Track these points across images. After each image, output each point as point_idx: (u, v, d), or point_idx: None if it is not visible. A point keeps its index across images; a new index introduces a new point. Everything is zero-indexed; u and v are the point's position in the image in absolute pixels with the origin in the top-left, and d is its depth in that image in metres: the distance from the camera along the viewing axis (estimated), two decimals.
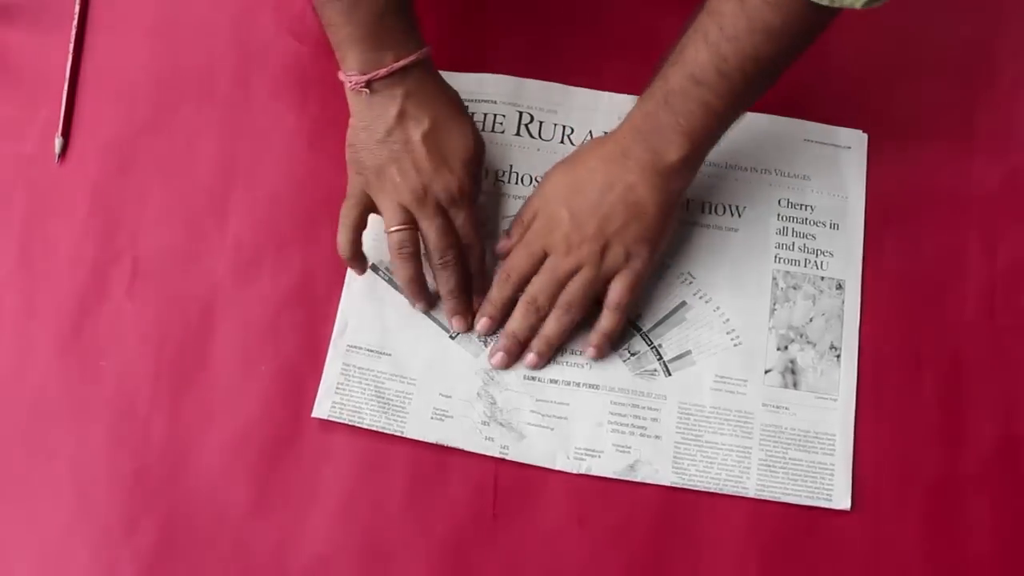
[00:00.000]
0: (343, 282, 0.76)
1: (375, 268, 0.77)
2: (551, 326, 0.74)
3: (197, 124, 0.81)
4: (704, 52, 0.67)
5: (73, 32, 0.82)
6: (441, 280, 0.75)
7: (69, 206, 0.79)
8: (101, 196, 0.79)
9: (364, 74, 0.71)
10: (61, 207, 0.79)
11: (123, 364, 0.74)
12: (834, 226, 0.79)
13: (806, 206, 0.79)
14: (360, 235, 0.74)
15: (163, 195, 0.79)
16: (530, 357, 0.75)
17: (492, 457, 0.72)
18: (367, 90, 0.71)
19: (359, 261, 0.75)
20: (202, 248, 0.77)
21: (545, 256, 0.74)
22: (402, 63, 0.71)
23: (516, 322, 0.74)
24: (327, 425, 0.72)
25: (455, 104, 0.75)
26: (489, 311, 0.75)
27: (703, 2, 0.68)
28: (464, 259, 0.75)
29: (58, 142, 0.80)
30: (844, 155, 0.81)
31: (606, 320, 0.74)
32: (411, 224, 0.73)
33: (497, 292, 0.75)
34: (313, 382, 0.74)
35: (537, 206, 0.75)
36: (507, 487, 0.72)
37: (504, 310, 0.75)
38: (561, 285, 0.74)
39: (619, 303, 0.74)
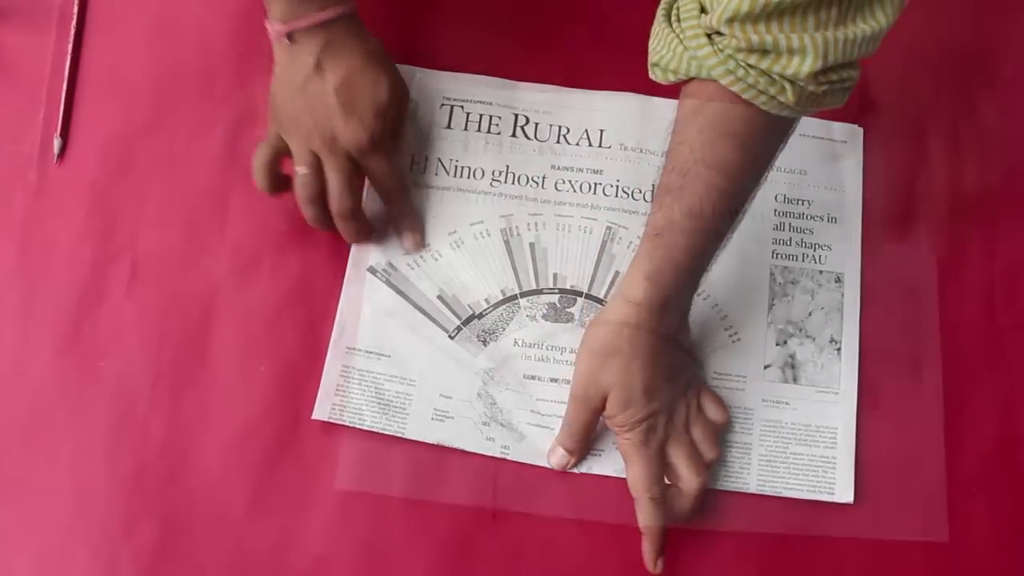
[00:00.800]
0: (342, 282, 0.75)
1: (372, 271, 0.75)
2: (693, 481, 0.70)
3: (196, 124, 0.79)
4: (720, 203, 0.67)
5: (72, 32, 0.81)
6: (341, 230, 0.75)
7: (68, 206, 0.77)
8: (100, 196, 0.77)
9: (285, 23, 0.71)
10: (60, 207, 0.77)
11: (122, 364, 0.73)
12: (832, 219, 0.78)
13: (803, 200, 0.78)
14: (273, 172, 0.74)
15: (162, 195, 0.78)
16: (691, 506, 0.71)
17: (492, 457, 0.71)
18: (288, 40, 0.72)
19: (274, 191, 0.75)
20: (201, 248, 0.76)
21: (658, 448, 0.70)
22: (322, 16, 0.71)
23: (650, 519, 0.69)
24: (327, 426, 0.71)
25: (373, 56, 0.74)
26: (659, 547, 0.68)
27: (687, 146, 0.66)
28: (361, 213, 0.75)
29: (57, 142, 0.78)
30: (840, 149, 0.80)
31: (714, 453, 0.71)
32: (316, 167, 0.73)
33: (655, 521, 0.68)
34: (313, 382, 0.72)
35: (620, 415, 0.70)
36: (507, 487, 0.71)
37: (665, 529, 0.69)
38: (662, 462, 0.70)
39: (714, 453, 0.71)
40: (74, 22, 0.81)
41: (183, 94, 0.80)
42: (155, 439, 0.71)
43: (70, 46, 0.80)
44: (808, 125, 0.79)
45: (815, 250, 0.77)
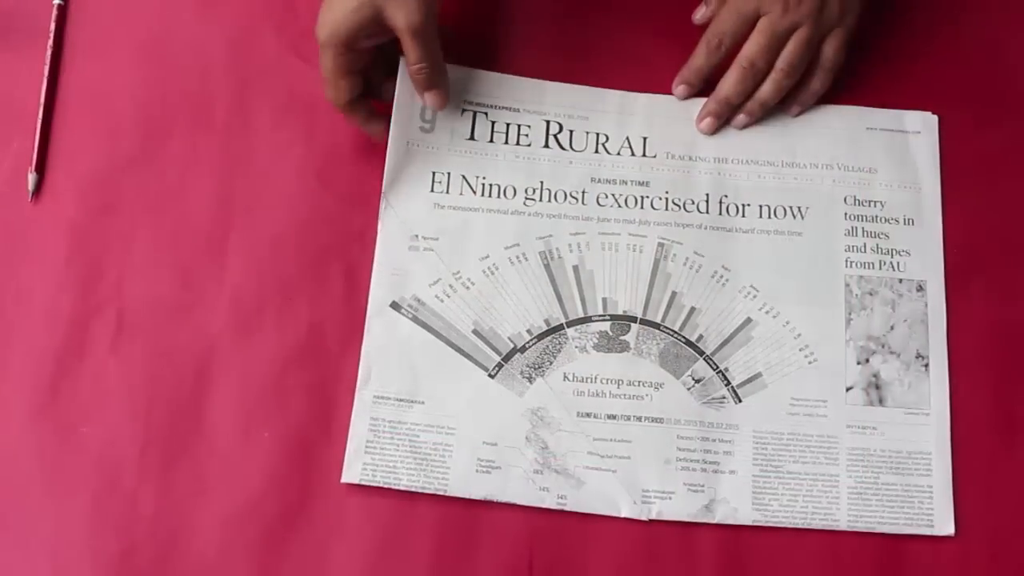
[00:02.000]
0: (360, 333, 0.68)
1: (396, 306, 0.68)
2: (768, 90, 0.72)
3: (190, 157, 0.72)
4: None
5: (48, 52, 0.74)
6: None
7: (44, 251, 0.70)
8: (81, 239, 0.71)
9: None
10: (35, 252, 0.70)
11: (107, 431, 0.66)
12: (908, 221, 0.71)
13: (875, 202, 0.72)
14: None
15: (151, 238, 0.71)
16: (740, 117, 0.73)
17: (549, 509, 0.64)
18: None
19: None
20: (196, 298, 0.70)
21: (757, 17, 0.72)
22: None
23: (731, 87, 0.72)
24: (342, 496, 0.64)
25: None
26: (689, 78, 0.73)
27: None
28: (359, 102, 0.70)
29: (31, 178, 0.71)
30: (913, 141, 0.73)
31: (820, 82, 0.73)
32: None
33: (704, 60, 0.72)
34: (324, 448, 0.66)
35: None
36: (569, 541, 0.64)
37: (705, 78, 0.73)
38: (780, 46, 0.72)
39: (835, 64, 0.72)
40: (51, 41, 0.74)
41: (175, 123, 0.73)
42: (144, 516, 0.65)
43: (46, 68, 0.73)
44: (875, 116, 0.74)
45: (893, 256, 0.71)
